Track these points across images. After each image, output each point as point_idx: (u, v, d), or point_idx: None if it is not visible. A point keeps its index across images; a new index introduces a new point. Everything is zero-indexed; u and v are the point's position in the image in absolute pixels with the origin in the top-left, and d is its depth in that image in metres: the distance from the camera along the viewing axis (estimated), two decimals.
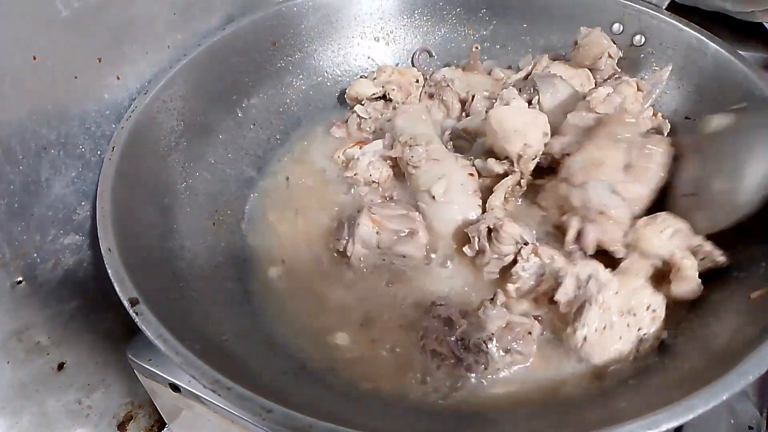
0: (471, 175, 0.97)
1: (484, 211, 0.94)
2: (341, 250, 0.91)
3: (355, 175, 1.03)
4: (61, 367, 0.91)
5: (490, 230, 0.86)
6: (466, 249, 0.90)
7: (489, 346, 0.78)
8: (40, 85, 0.77)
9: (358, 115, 1.13)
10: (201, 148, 1.01)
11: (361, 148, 1.06)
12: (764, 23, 1.21)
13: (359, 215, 0.91)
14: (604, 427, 0.58)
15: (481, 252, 0.88)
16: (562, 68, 1.10)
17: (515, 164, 0.94)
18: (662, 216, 0.83)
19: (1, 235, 0.76)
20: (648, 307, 0.77)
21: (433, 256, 0.92)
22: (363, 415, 0.72)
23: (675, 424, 0.57)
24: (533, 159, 0.94)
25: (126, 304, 0.68)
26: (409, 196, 1.00)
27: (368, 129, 1.13)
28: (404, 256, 0.91)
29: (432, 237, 0.93)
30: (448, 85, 1.14)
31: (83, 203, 0.87)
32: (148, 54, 0.93)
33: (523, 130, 0.93)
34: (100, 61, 0.85)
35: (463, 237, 0.92)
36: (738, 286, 0.80)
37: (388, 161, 1.04)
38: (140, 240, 0.81)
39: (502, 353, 0.78)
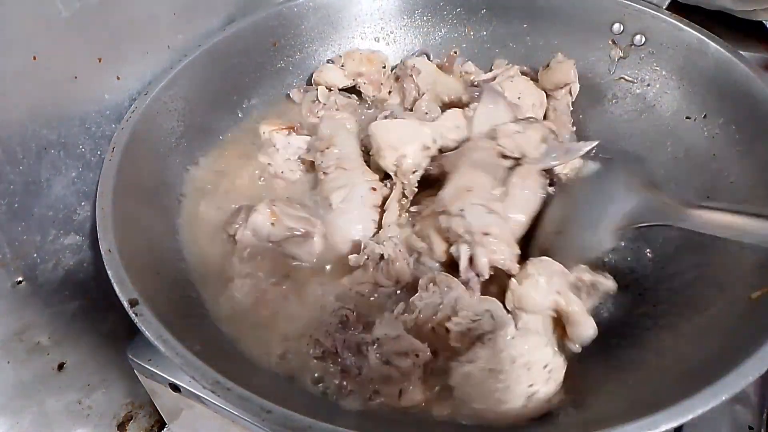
0: (374, 189, 0.96)
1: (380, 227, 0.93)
2: (232, 234, 0.91)
3: (268, 164, 1.03)
4: (61, 367, 0.91)
5: (382, 257, 0.86)
6: (351, 257, 0.89)
7: (369, 351, 0.76)
8: (41, 86, 0.77)
9: (317, 97, 1.13)
10: (201, 149, 1.01)
11: (289, 133, 1.04)
12: (764, 22, 1.21)
13: (259, 203, 0.90)
14: (602, 428, 0.58)
15: (364, 267, 0.87)
16: (523, 83, 1.11)
17: (393, 176, 0.95)
18: (531, 265, 0.80)
19: (1, 235, 0.77)
20: (545, 366, 0.72)
21: (327, 267, 0.91)
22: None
23: (674, 424, 0.57)
24: (413, 171, 0.94)
25: (126, 305, 0.68)
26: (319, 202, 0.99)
27: (315, 114, 1.13)
28: (294, 258, 0.90)
29: (327, 245, 0.92)
30: (411, 75, 1.14)
31: (83, 203, 0.87)
32: (148, 54, 0.93)
33: (398, 143, 0.94)
34: (100, 62, 0.85)
35: (356, 249, 0.91)
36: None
37: (304, 164, 1.04)
38: (140, 241, 0.81)
39: (379, 362, 0.75)
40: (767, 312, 0.70)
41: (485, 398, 0.71)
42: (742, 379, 0.59)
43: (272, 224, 0.89)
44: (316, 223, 0.92)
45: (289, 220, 0.90)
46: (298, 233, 0.90)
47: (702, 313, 0.78)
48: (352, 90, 1.17)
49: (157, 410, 1.07)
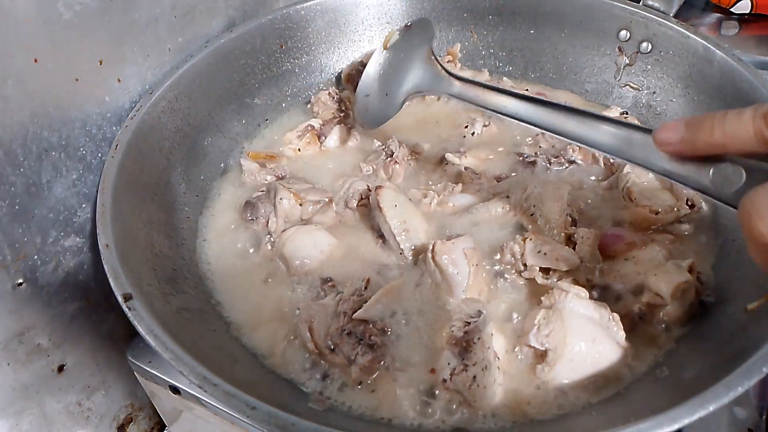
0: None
1: None
2: (259, 227, 0.94)
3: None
4: (61, 368, 0.91)
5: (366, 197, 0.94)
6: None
7: (339, 309, 0.79)
8: (42, 88, 0.77)
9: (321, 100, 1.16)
10: (204, 149, 1.02)
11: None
12: None
13: (276, 191, 0.94)
14: None
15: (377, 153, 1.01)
16: None
17: None
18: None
19: (2, 236, 0.77)
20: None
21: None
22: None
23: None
24: None
25: (120, 299, 0.69)
26: None
27: (325, 115, 1.14)
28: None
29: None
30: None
31: (84, 205, 0.87)
32: (149, 56, 0.93)
33: None
34: (101, 64, 0.85)
35: None
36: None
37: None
38: (139, 237, 0.82)
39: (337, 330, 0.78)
40: (761, 323, 0.69)
41: (485, 395, 0.72)
42: (730, 390, 0.58)
43: (300, 204, 0.94)
44: (327, 191, 0.99)
45: (310, 194, 0.95)
46: (324, 202, 0.95)
47: (697, 323, 0.78)
48: None
49: (157, 412, 1.07)
